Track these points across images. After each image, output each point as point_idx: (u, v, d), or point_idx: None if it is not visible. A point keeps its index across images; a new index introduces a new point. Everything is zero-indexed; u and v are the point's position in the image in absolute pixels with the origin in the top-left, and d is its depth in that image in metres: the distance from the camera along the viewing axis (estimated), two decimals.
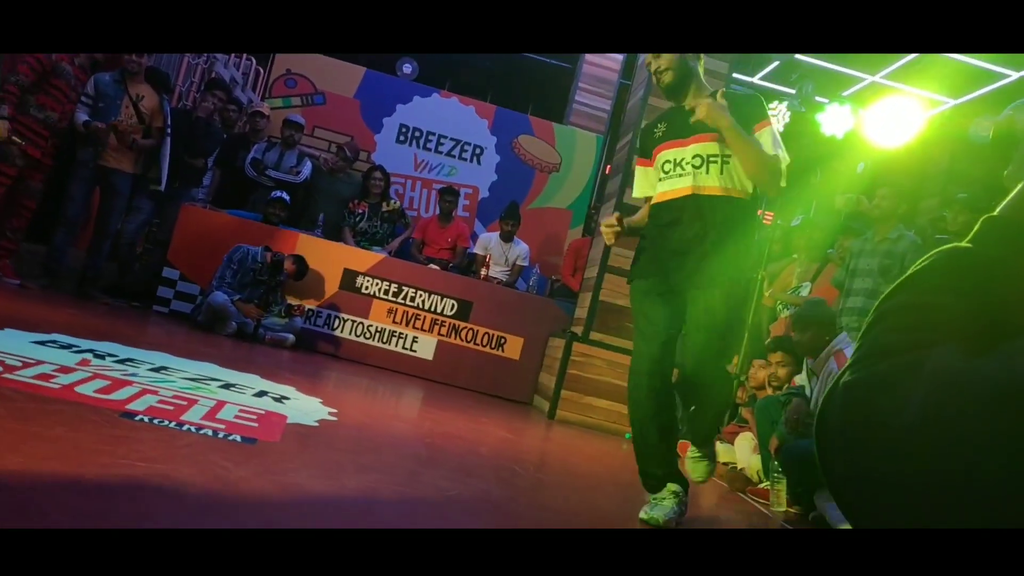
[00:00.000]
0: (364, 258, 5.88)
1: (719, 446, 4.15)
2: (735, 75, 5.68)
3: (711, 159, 2.55)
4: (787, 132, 5.27)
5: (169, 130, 5.35)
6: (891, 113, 5.52)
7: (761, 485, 3.62)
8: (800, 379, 3.91)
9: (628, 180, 5.19)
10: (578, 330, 5.22)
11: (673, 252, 2.61)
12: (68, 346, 2.94)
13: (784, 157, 2.52)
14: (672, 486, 2.62)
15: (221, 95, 6.13)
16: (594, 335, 5.09)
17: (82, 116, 5.04)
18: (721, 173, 2.54)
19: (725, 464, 3.93)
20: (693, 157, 2.57)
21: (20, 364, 2.37)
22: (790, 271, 5.32)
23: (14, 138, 4.66)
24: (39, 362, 2.48)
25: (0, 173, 4.72)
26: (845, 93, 7.23)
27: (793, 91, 6.16)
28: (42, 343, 2.87)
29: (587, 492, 2.94)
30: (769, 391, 4.06)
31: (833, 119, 5.30)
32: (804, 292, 5.04)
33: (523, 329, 5.80)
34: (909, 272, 0.73)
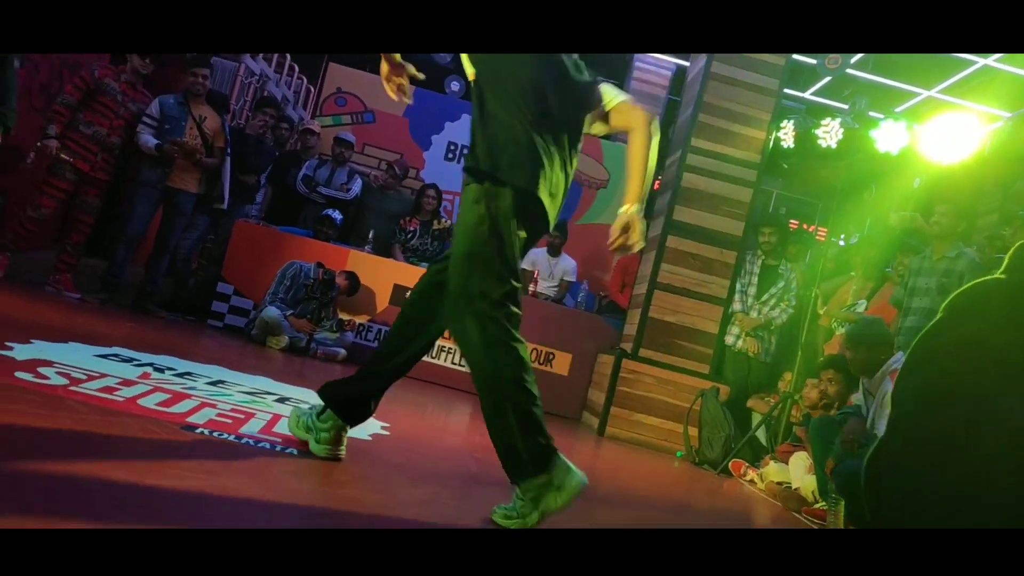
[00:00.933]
0: (414, 274, 5.91)
1: (772, 465, 4.06)
2: (786, 90, 5.61)
3: None
4: (840, 149, 5.16)
5: (229, 149, 5.50)
6: (947, 128, 5.38)
7: (817, 506, 3.53)
8: (856, 399, 3.82)
9: (678, 197, 5.15)
10: (627, 347, 5.18)
11: None
12: (129, 359, 3.02)
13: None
14: None
15: (272, 113, 6.27)
16: (644, 352, 5.04)
17: (149, 138, 5.19)
18: None
19: (779, 484, 3.85)
20: None
21: (85, 377, 2.44)
22: (846, 289, 5.21)
23: (63, 155, 4.84)
24: (103, 375, 2.54)
25: (54, 188, 4.92)
26: (899, 108, 7.08)
27: (846, 107, 6.05)
28: (104, 356, 2.95)
29: (637, 509, 2.90)
30: (821, 410, 3.97)
31: (888, 135, 5.17)
32: (859, 310, 4.93)
33: (571, 345, 5.78)
34: (945, 305, 0.71)
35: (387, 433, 2.96)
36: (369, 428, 2.92)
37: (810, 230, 7.44)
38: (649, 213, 6.88)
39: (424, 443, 3.10)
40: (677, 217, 5.14)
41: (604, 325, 5.92)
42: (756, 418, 4.80)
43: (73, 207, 5.04)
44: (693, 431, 4.70)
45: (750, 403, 4.93)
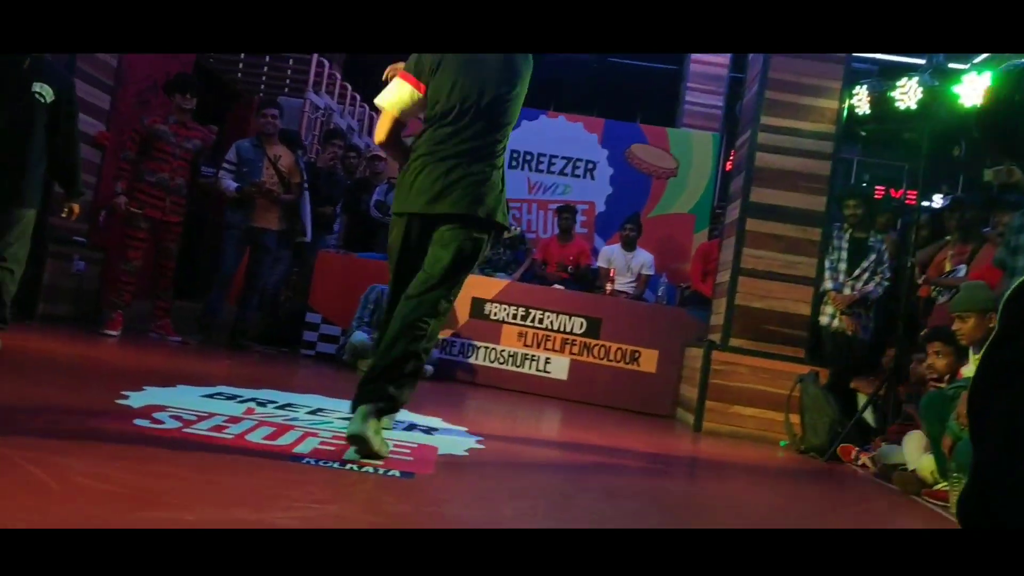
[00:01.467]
0: (490, 285, 5.96)
1: (885, 447, 3.89)
2: (854, 54, 5.40)
3: None
4: (921, 108, 4.91)
5: (306, 184, 5.67)
6: None
7: (938, 487, 3.36)
8: (967, 371, 3.62)
9: (753, 178, 5.02)
10: (716, 338, 5.07)
11: None
12: (233, 397, 3.14)
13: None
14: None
15: (340, 143, 6.45)
16: (734, 341, 4.92)
17: (230, 183, 5.42)
18: None
19: (895, 466, 3.68)
20: None
21: (195, 418, 2.55)
22: (943, 255, 4.95)
23: (132, 208, 5.06)
24: (211, 414, 2.65)
25: (133, 238, 5.15)
26: (980, 59, 6.70)
27: (922, 61, 5.76)
28: (210, 396, 3.08)
29: (745, 506, 2.83)
30: (931, 385, 3.78)
31: (972, 89, 4.90)
32: (960, 275, 4.67)
33: (657, 341, 5.69)
34: None
35: (482, 447, 2.97)
36: (464, 443, 2.96)
37: (898, 196, 7.12)
38: (724, 196, 6.74)
39: (519, 454, 3.11)
40: (754, 199, 4.99)
41: (689, 317, 5.81)
42: (861, 399, 4.61)
43: (156, 254, 5.27)
44: (795, 418, 4.54)
45: (853, 384, 4.73)
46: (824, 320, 5.02)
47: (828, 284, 5.00)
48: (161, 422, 2.41)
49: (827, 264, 5.01)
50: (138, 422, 2.36)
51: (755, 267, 4.95)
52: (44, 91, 3.56)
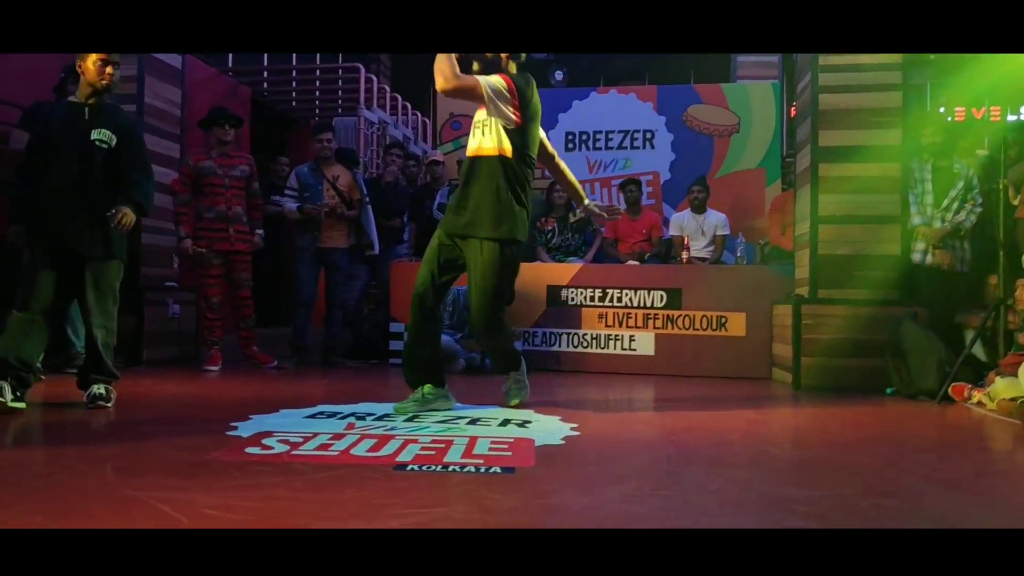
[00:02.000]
0: (563, 271, 5.96)
1: (999, 381, 3.70)
2: None
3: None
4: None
5: (367, 198, 5.80)
6: None
7: None
8: None
9: (819, 121, 4.83)
10: (803, 292, 4.92)
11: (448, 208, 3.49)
12: (333, 414, 3.25)
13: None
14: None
15: (399, 153, 6.56)
16: (822, 293, 4.76)
17: (291, 204, 5.61)
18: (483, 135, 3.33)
19: (1012, 399, 3.49)
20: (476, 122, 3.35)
21: (301, 440, 2.65)
22: None
23: (198, 248, 5.22)
24: (315, 434, 2.75)
25: (207, 276, 5.30)
26: None
27: None
28: (312, 416, 3.20)
29: (854, 461, 2.74)
30: None
31: None
32: None
33: (742, 303, 5.56)
34: None
35: (578, 433, 2.98)
36: (560, 432, 2.97)
37: (979, 115, 6.71)
38: (792, 145, 6.52)
39: (617, 436, 3.09)
40: (824, 143, 4.81)
41: (772, 274, 5.65)
42: (968, 334, 4.38)
43: (231, 286, 5.40)
44: (899, 363, 4.37)
45: (957, 319, 4.51)
46: (917, 257, 4.79)
47: (916, 219, 4.77)
48: (271, 447, 2.52)
49: (911, 199, 4.78)
50: (249, 450, 2.48)
51: (834, 213, 4.77)
52: (104, 136, 3.42)
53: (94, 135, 3.42)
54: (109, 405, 3.42)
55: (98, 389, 3.43)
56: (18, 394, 3.28)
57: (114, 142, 3.45)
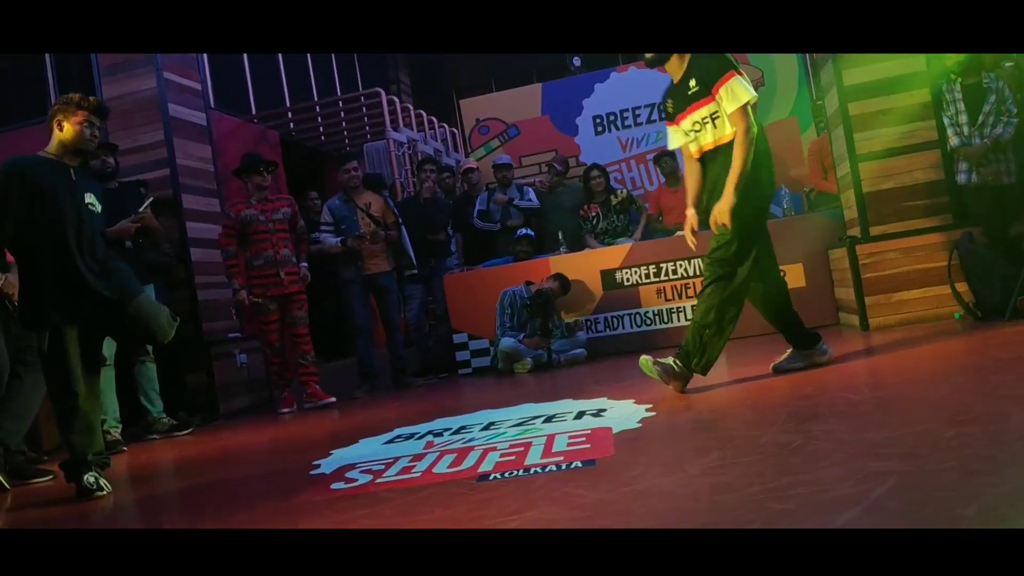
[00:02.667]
0: (614, 254, 5.96)
1: None
2: None
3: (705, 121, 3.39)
4: None
5: (400, 219, 5.86)
6: None
7: None
8: None
9: (841, 60, 4.73)
10: (856, 232, 4.83)
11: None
12: (410, 435, 3.33)
13: (741, 97, 3.21)
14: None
15: (432, 167, 6.64)
16: (874, 230, 4.67)
17: (332, 239, 5.65)
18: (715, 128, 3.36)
19: None
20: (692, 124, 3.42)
21: (383, 467, 2.74)
22: None
23: (254, 299, 5.25)
24: (396, 459, 2.84)
25: (265, 323, 5.32)
26: None
27: None
28: (391, 441, 3.28)
29: (933, 394, 2.69)
30: None
31: None
32: None
33: (797, 254, 5.48)
34: None
35: (654, 414, 3.00)
36: (636, 415, 2.99)
37: None
38: (818, 88, 6.39)
39: (693, 410, 3.10)
40: (849, 81, 4.72)
41: (822, 220, 5.56)
42: None
43: (287, 326, 5.43)
44: (962, 286, 4.26)
45: (1013, 232, 4.37)
46: (962, 178, 4.65)
47: (954, 141, 4.63)
48: (355, 480, 2.60)
49: (946, 122, 4.64)
50: (335, 486, 2.56)
51: (872, 149, 4.68)
52: (94, 202, 3.21)
53: (87, 199, 3.17)
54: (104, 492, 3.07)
55: (89, 478, 3.06)
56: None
57: (99, 208, 3.23)
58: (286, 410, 5.31)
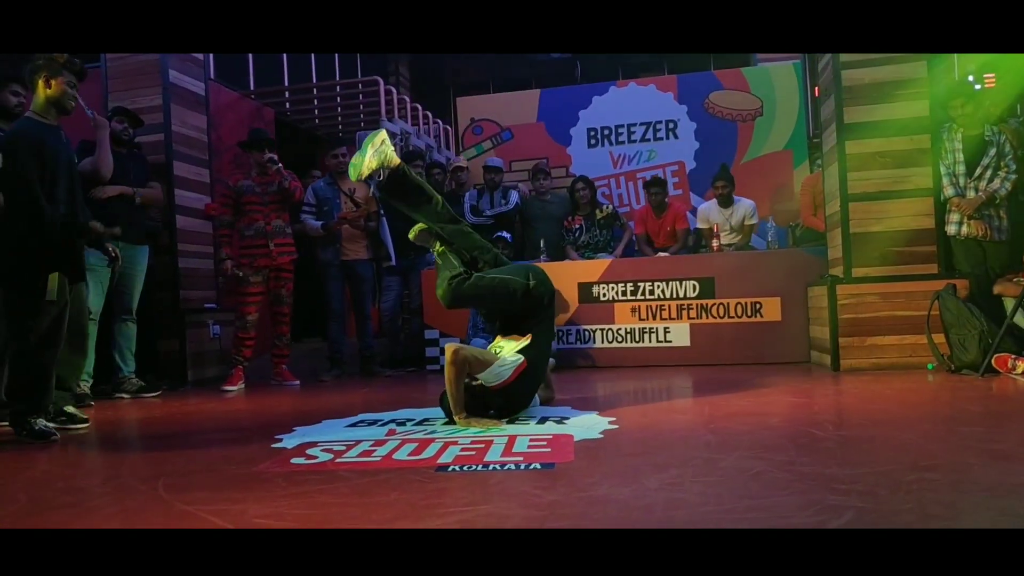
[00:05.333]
0: (593, 268, 5.97)
1: None
2: None
3: None
4: None
5: (382, 211, 5.84)
6: None
7: None
8: None
9: (843, 99, 4.77)
10: (838, 272, 4.87)
11: None
12: (374, 422, 3.30)
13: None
14: None
15: (420, 163, 6.62)
16: (857, 271, 4.71)
17: (313, 223, 5.67)
18: None
19: None
20: None
21: (344, 448, 2.70)
22: None
23: (236, 272, 5.28)
24: (358, 442, 2.81)
25: (245, 295, 5.31)
26: None
27: None
28: (354, 425, 3.25)
29: (898, 437, 2.71)
30: None
31: None
32: None
33: (776, 288, 5.52)
34: None
35: (617, 426, 3.00)
36: (598, 426, 2.98)
37: None
38: (818, 125, 6.46)
39: (655, 427, 3.09)
40: (849, 119, 4.76)
41: (805, 256, 5.60)
42: (1009, 303, 4.30)
43: (271, 302, 5.45)
44: (939, 338, 4.30)
45: (997, 289, 4.42)
46: (952, 229, 4.71)
47: (949, 191, 4.69)
48: (315, 457, 2.57)
49: (943, 170, 4.70)
50: (295, 460, 2.53)
51: (865, 190, 4.72)
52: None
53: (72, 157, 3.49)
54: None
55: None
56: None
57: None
58: (231, 388, 5.18)
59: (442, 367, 3.20)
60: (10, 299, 3.25)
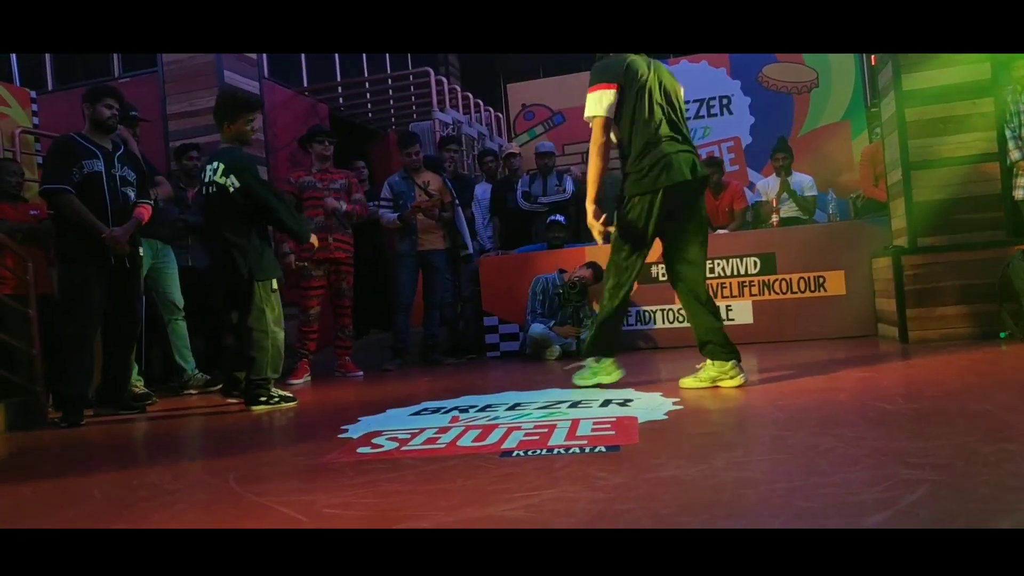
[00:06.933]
0: (652, 248, 5.89)
1: None
2: None
3: None
4: None
5: (457, 201, 5.91)
6: None
7: None
8: None
9: (901, 65, 4.62)
10: (902, 242, 4.72)
11: None
12: (437, 410, 3.36)
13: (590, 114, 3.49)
14: None
15: (455, 148, 6.66)
16: (922, 241, 4.57)
17: (389, 215, 5.78)
18: None
19: None
20: None
21: (409, 436, 2.76)
22: None
23: (299, 263, 5.31)
24: (422, 430, 2.86)
25: (307, 289, 5.37)
26: None
27: None
28: (417, 413, 3.31)
29: (972, 408, 2.63)
30: None
31: None
32: None
33: (840, 261, 5.39)
34: None
35: (681, 407, 2.98)
36: (662, 407, 2.97)
37: None
38: (876, 94, 6.25)
39: (721, 407, 3.07)
40: (907, 87, 4.60)
41: (868, 227, 5.45)
42: None
43: (332, 295, 5.52)
44: (1011, 305, 4.14)
45: None
46: (1020, 194, 4.54)
47: (1015, 155, 4.51)
48: (380, 446, 2.63)
49: (1008, 134, 4.51)
50: (361, 450, 2.60)
51: (927, 157, 4.56)
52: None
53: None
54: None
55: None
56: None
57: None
58: (296, 381, 5.25)
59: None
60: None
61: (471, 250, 6.02)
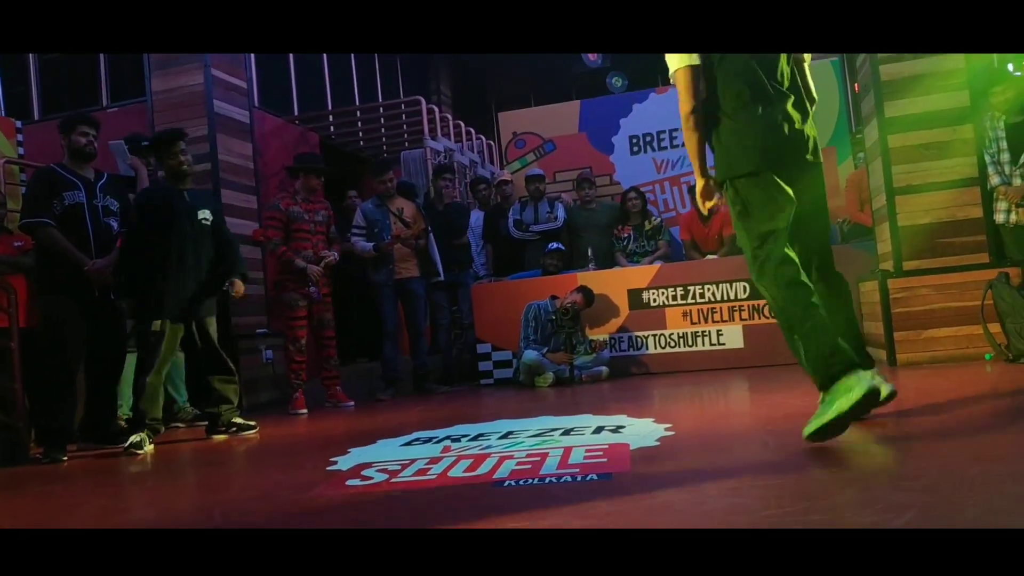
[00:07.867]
0: (643, 274, 5.95)
1: None
2: None
3: None
4: None
5: (429, 228, 5.91)
6: None
7: None
8: None
9: (883, 93, 4.70)
10: (888, 266, 4.78)
11: None
12: (429, 439, 3.35)
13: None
14: None
15: (449, 177, 6.68)
16: (907, 264, 4.62)
17: (364, 244, 5.71)
18: None
19: None
20: None
21: (400, 467, 2.75)
22: None
23: (286, 293, 5.31)
24: (412, 460, 2.85)
25: (295, 319, 5.34)
26: None
27: None
28: (408, 444, 3.30)
29: (960, 430, 2.65)
30: None
31: None
32: None
33: None
34: None
35: (673, 433, 2.99)
36: (654, 433, 2.98)
37: None
38: (859, 120, 6.35)
39: (713, 432, 3.09)
40: (890, 114, 4.69)
41: (854, 252, 5.51)
42: None
43: (315, 327, 5.46)
44: (995, 327, 4.20)
45: None
46: (1000, 218, 4.62)
47: (995, 179, 4.60)
48: (370, 478, 2.61)
49: (988, 159, 4.61)
50: (350, 483, 2.58)
51: (910, 183, 4.64)
52: (207, 216, 4.19)
53: (201, 215, 4.15)
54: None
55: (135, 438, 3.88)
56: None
57: (211, 220, 4.23)
58: (301, 411, 5.24)
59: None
60: None
61: (442, 276, 5.99)
